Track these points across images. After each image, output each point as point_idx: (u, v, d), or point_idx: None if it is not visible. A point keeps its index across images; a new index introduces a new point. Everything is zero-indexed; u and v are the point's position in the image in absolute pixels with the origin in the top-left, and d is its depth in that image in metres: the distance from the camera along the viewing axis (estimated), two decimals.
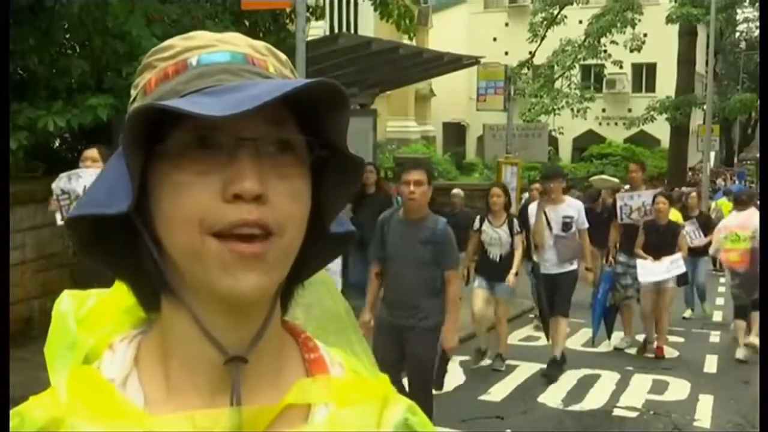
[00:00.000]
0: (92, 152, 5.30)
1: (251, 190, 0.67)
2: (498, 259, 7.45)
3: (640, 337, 8.87)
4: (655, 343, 8.61)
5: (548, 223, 7.55)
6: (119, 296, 0.81)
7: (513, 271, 7.36)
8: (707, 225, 10.78)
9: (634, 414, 6.62)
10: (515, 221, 7.55)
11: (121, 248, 0.74)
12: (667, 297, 8.49)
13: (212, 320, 0.71)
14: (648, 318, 8.64)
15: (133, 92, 0.77)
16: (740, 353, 8.30)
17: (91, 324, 0.80)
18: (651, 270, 8.20)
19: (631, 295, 8.75)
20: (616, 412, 6.64)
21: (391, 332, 5.06)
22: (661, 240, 8.28)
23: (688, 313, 10.97)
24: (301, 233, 0.72)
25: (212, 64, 0.72)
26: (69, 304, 0.82)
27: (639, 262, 8.25)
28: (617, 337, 8.95)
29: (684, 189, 18.35)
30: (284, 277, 0.72)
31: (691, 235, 10.27)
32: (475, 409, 6.47)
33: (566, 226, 7.57)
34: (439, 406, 6.39)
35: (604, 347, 8.70)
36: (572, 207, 7.73)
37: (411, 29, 11.01)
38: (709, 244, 9.49)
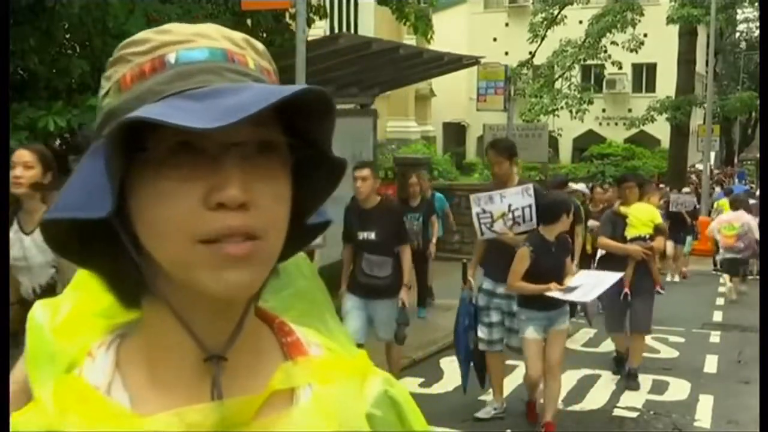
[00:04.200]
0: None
1: (236, 199, 0.66)
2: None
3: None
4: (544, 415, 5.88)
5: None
6: (92, 299, 0.80)
7: None
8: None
9: (634, 414, 6.62)
10: None
11: (99, 248, 0.74)
12: (559, 345, 5.78)
13: (193, 317, 0.72)
14: (536, 383, 5.97)
15: (104, 83, 0.75)
16: (734, 295, 12.08)
17: (68, 332, 0.79)
18: (588, 283, 5.72)
19: (497, 339, 6.11)
20: (616, 412, 6.65)
21: None
22: (554, 263, 5.62)
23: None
24: (283, 234, 0.73)
25: (191, 63, 0.70)
26: (43, 314, 0.81)
27: (555, 291, 5.55)
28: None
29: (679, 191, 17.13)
30: (267, 276, 0.73)
31: None
32: (475, 409, 6.46)
33: None
34: (439, 406, 6.40)
35: (605, 347, 8.69)
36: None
37: (428, 32, 11.11)
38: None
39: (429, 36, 11.52)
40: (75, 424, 0.70)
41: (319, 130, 0.72)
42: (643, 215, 7.16)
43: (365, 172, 5.97)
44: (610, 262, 7.13)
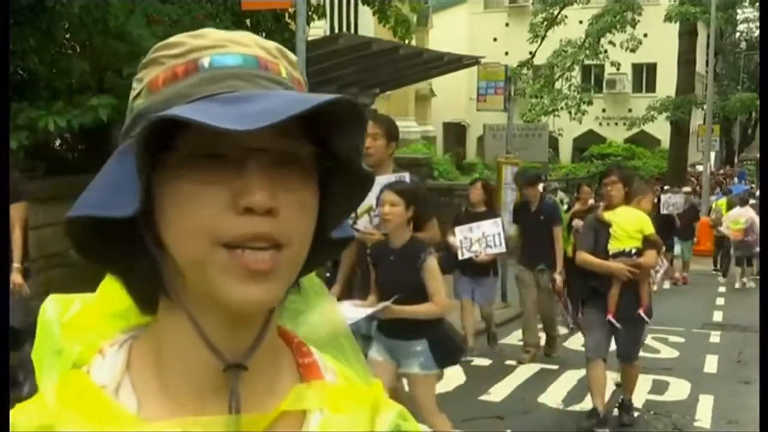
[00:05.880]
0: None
1: (263, 204, 0.66)
2: None
3: None
4: None
5: None
6: (105, 300, 0.80)
7: None
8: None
9: (634, 414, 6.61)
10: None
11: (119, 248, 0.73)
12: (419, 390, 4.60)
13: (211, 326, 0.70)
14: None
15: (136, 86, 0.74)
16: (738, 284, 13.88)
17: (76, 329, 0.78)
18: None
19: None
20: (616, 412, 6.64)
21: None
22: (391, 277, 4.37)
23: None
24: (308, 244, 0.72)
25: (224, 68, 0.70)
26: (53, 309, 0.80)
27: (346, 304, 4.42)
28: None
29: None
30: (288, 287, 0.72)
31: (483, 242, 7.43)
32: (475, 409, 6.47)
33: None
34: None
35: None
36: None
37: (407, 36, 11.14)
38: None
39: (408, 41, 11.52)
40: (74, 423, 0.68)
41: (347, 142, 0.71)
42: (629, 225, 5.82)
43: None
44: (592, 278, 6.00)
